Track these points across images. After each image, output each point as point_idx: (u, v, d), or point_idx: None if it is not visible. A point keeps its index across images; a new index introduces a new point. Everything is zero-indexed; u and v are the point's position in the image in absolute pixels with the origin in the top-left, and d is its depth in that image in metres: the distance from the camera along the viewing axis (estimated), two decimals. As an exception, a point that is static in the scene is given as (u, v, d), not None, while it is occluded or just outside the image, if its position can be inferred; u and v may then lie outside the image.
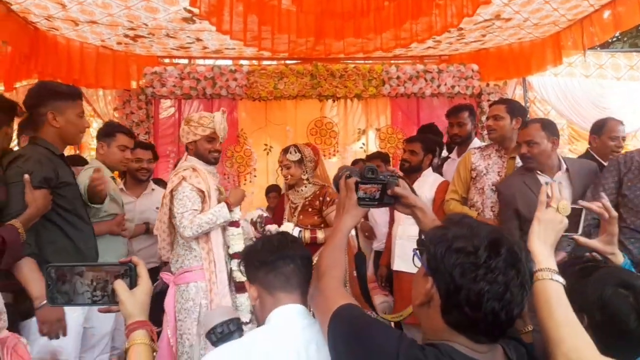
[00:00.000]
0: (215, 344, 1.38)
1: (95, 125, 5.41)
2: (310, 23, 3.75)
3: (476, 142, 3.39)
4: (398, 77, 5.03)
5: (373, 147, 5.28)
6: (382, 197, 1.32)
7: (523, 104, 5.54)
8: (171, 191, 2.54)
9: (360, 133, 5.35)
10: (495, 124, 2.89)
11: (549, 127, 2.60)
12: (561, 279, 1.09)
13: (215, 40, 4.56)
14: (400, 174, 1.38)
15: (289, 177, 2.98)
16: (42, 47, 4.23)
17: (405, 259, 3.15)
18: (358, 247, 1.60)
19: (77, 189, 2.31)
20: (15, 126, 2.32)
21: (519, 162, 2.80)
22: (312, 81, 4.94)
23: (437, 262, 0.97)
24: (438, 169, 3.82)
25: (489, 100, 5.10)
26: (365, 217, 3.99)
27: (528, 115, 3.66)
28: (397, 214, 3.40)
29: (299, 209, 3.00)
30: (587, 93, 5.55)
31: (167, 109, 5.28)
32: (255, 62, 5.35)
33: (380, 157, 4.25)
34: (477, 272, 0.91)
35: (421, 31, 3.82)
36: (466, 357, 0.94)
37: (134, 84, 5.01)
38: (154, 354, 1.02)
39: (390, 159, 4.66)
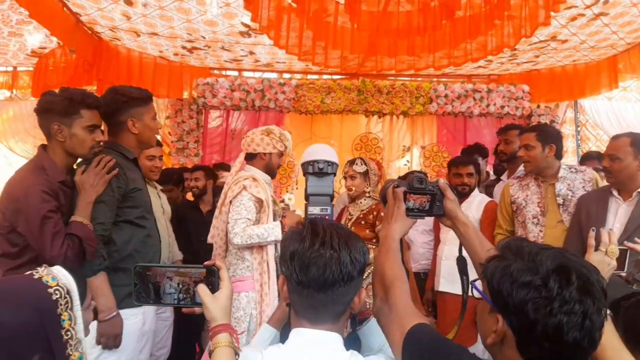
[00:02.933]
0: (307, 175, 1.34)
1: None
2: (364, 39, 3.78)
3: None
4: (446, 96, 5.00)
5: (417, 165, 5.25)
6: (432, 207, 1.30)
7: (574, 127, 5.43)
8: (231, 200, 2.59)
9: (405, 150, 5.34)
10: (527, 155, 2.74)
11: (546, 135, 2.44)
12: (609, 317, 1.13)
13: (267, 54, 4.67)
14: (447, 184, 1.36)
15: (353, 188, 3.00)
16: (105, 56, 4.45)
17: (450, 280, 3.11)
18: (402, 261, 1.59)
19: (145, 194, 2.30)
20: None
21: (557, 188, 2.69)
22: (359, 97, 4.97)
23: (504, 298, 0.93)
24: (487, 190, 3.77)
25: (539, 122, 5.01)
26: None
27: (563, 140, 3.50)
28: (442, 234, 3.37)
29: (352, 220, 3.01)
30: (643, 118, 5.36)
31: (215, 119, 5.41)
32: (301, 75, 5.45)
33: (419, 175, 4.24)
34: (552, 306, 0.88)
35: (475, 50, 3.80)
36: None
37: (186, 94, 5.18)
38: (236, 357, 1.05)
39: (428, 177, 4.63)
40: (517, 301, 0.91)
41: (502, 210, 2.94)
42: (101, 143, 2.14)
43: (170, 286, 1.11)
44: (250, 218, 2.53)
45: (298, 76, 5.39)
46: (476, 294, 1.04)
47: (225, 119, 5.40)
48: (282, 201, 2.95)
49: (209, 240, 2.77)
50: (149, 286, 1.10)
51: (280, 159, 2.78)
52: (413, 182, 1.28)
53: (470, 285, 1.07)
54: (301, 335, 1.10)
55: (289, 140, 2.76)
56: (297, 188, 5.20)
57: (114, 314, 1.98)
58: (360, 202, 3.05)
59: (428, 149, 5.28)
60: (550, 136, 2.75)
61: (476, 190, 3.31)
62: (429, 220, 3.79)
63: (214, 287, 1.10)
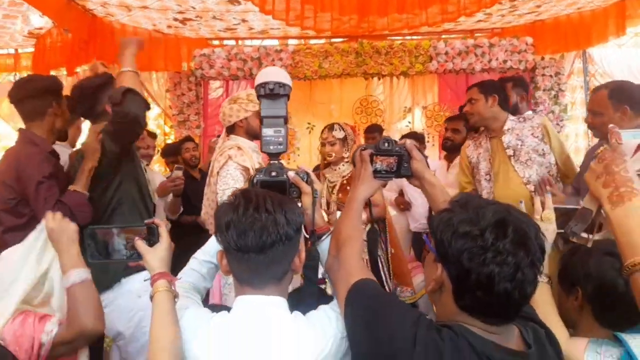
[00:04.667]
0: (260, 98, 1.40)
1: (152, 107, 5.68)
2: (353, 0, 3.70)
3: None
4: (446, 53, 4.86)
5: (419, 125, 5.20)
6: (399, 168, 1.31)
7: (582, 77, 5.24)
8: (218, 171, 2.63)
9: (406, 111, 5.27)
10: (471, 108, 2.71)
11: (618, 94, 2.25)
12: (546, 279, 1.30)
13: (260, 21, 4.61)
14: (414, 145, 1.36)
15: (333, 154, 3.00)
16: (100, 33, 4.46)
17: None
18: (370, 220, 1.60)
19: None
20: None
21: (505, 141, 2.63)
22: (357, 59, 4.88)
23: (444, 248, 0.96)
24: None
25: (544, 75, 4.86)
26: (401, 193, 3.98)
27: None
28: None
29: (337, 187, 3.02)
30: (656, 65, 5.14)
31: (215, 89, 5.43)
32: (302, 41, 5.37)
33: (415, 137, 4.20)
34: (486, 256, 0.90)
35: (469, 3, 3.69)
36: (480, 338, 0.94)
37: (184, 66, 5.18)
38: (175, 299, 1.17)
39: (426, 139, 4.59)
40: (455, 250, 0.94)
41: (462, 172, 2.94)
42: None
43: (119, 243, 1.25)
44: (238, 187, 2.57)
45: (295, 42, 5.32)
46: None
47: (225, 90, 5.41)
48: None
49: (202, 216, 2.82)
50: (100, 245, 1.24)
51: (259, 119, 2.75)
52: (379, 144, 1.29)
53: (425, 239, 1.10)
54: (245, 302, 1.13)
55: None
56: (298, 155, 5.23)
57: None
58: (339, 168, 3.06)
59: (430, 109, 5.20)
60: (491, 87, 2.73)
61: (470, 148, 3.27)
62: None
63: (153, 242, 1.23)
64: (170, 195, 3.57)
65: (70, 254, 1.37)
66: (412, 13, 3.88)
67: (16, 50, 5.30)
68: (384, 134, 5.20)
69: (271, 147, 1.37)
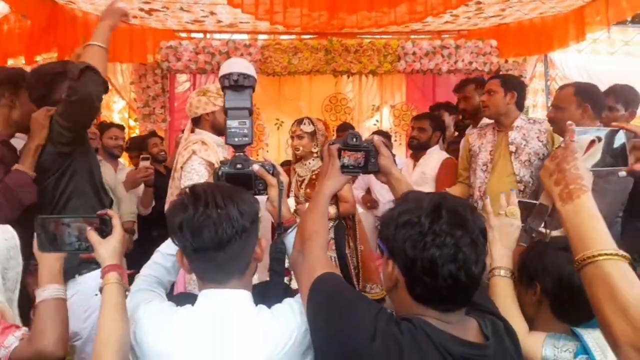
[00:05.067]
0: (224, 89, 1.37)
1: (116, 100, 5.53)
2: (323, -4, 3.70)
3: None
4: (414, 53, 4.93)
5: (387, 124, 5.25)
6: (367, 164, 1.32)
7: (544, 81, 5.42)
8: (182, 166, 2.58)
9: (375, 109, 5.32)
10: (489, 99, 2.78)
11: (583, 93, 2.37)
12: (508, 273, 1.32)
13: (228, 14, 4.55)
14: (381, 141, 1.37)
15: (300, 148, 2.98)
16: (61, 20, 4.29)
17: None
18: (337, 217, 1.60)
19: None
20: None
21: (511, 137, 2.71)
22: (327, 56, 4.88)
23: (390, 242, 0.98)
24: (450, 146, 3.79)
25: (507, 77, 4.99)
26: (368, 191, 4.01)
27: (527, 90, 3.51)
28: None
29: (305, 181, 3.01)
30: (612, 71, 5.35)
31: (182, 83, 5.33)
32: (271, 36, 5.33)
33: (382, 135, 4.24)
34: (425, 240, 0.92)
35: (436, 4, 3.75)
36: (437, 330, 0.95)
37: (150, 58, 5.06)
38: (126, 292, 1.16)
39: (392, 137, 4.66)
40: (399, 242, 0.96)
41: (462, 159, 2.99)
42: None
43: (70, 234, 1.21)
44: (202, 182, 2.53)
45: (263, 37, 5.27)
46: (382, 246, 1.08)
47: (193, 83, 5.32)
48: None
49: (167, 210, 2.76)
50: (51, 236, 1.20)
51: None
52: (347, 139, 1.29)
53: (378, 240, 1.11)
54: (209, 296, 1.12)
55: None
56: (267, 151, 5.20)
57: None
58: (309, 163, 3.04)
59: (397, 107, 5.26)
60: (513, 84, 2.80)
61: (436, 147, 3.33)
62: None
63: (105, 233, 1.21)
64: (142, 187, 3.49)
65: (52, 268, 1.29)
66: (381, 11, 3.92)
67: (-30, 35, 5.03)
68: (330, 131, 5.24)
69: (236, 139, 1.36)
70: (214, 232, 1.06)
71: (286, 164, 4.79)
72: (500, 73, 5.06)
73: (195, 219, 1.06)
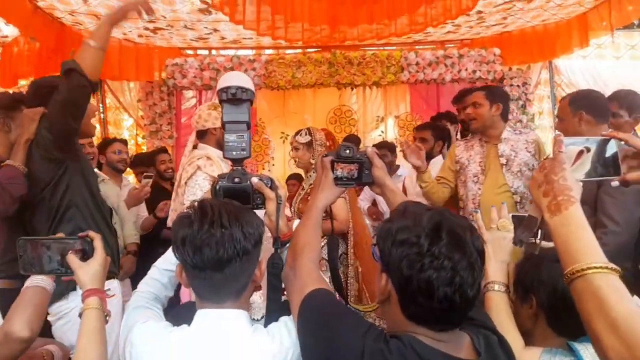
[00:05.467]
0: (222, 103, 1.35)
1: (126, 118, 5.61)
2: (323, 10, 3.74)
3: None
4: (417, 63, 4.95)
5: (392, 135, 5.25)
6: (361, 175, 1.31)
7: (549, 88, 5.39)
8: (186, 182, 2.59)
9: (379, 121, 5.32)
10: (474, 112, 2.75)
11: (576, 101, 2.37)
12: (502, 288, 1.30)
13: (232, 31, 4.60)
14: (375, 152, 1.37)
15: (297, 159, 2.96)
16: (68, 41, 4.38)
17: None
18: (332, 231, 1.60)
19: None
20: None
21: (500, 149, 2.70)
22: (330, 69, 4.92)
23: (386, 257, 0.97)
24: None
25: (511, 85, 4.97)
26: (374, 203, 4.00)
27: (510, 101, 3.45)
28: (407, 189, 3.42)
29: (301, 196, 2.97)
30: (618, 76, 5.31)
31: (189, 99, 5.39)
32: (274, 51, 5.39)
33: (387, 146, 4.26)
34: (423, 261, 0.91)
35: (436, 15, 3.76)
36: (428, 348, 0.93)
37: (156, 76, 5.13)
38: (107, 317, 1.16)
39: (397, 148, 4.64)
40: (395, 259, 0.94)
41: (445, 166, 2.96)
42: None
43: (51, 257, 1.20)
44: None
45: (267, 52, 5.33)
46: (377, 257, 1.06)
47: (198, 100, 5.38)
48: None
49: (169, 224, 2.78)
50: (32, 257, 1.19)
51: None
52: (340, 151, 1.29)
53: (372, 250, 1.09)
54: (205, 316, 1.12)
55: None
56: (273, 165, 5.22)
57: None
58: (310, 176, 2.99)
59: (402, 118, 5.27)
60: (498, 95, 2.78)
61: (439, 157, 3.33)
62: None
63: (87, 256, 1.19)
64: (143, 207, 3.52)
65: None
66: (382, 24, 3.94)
67: (-18, 59, 5.16)
68: (361, 143, 5.25)
69: (234, 153, 1.34)
70: (215, 251, 1.06)
71: (293, 178, 4.82)
72: (504, 80, 5.06)
73: (198, 236, 1.06)
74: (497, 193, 2.62)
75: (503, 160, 2.67)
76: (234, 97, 1.34)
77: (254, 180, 1.30)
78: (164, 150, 4.35)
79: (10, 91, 2.45)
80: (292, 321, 1.13)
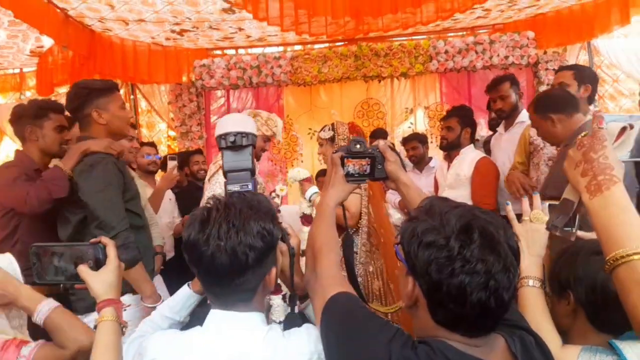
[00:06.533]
0: (221, 150, 1.28)
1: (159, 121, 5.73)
2: (346, 3, 3.67)
3: (524, 114, 3.15)
4: (446, 52, 4.80)
5: (422, 126, 5.13)
6: (373, 171, 1.26)
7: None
8: (209, 179, 2.61)
9: (408, 112, 5.21)
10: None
11: (539, 109, 2.35)
12: (537, 283, 1.23)
13: (257, 29, 4.61)
14: (388, 146, 1.31)
15: (321, 156, 2.91)
16: (99, 48, 4.51)
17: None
18: (345, 226, 1.54)
19: (135, 183, 2.35)
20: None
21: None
22: (357, 62, 4.85)
23: (412, 260, 0.90)
24: (485, 146, 3.65)
25: (547, 69, 4.76)
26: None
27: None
28: (438, 182, 3.32)
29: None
30: (664, 54, 5.00)
31: (217, 99, 5.44)
32: (301, 47, 5.36)
33: (417, 138, 4.13)
34: (454, 266, 0.84)
35: (464, 0, 3.62)
36: (460, 354, 0.87)
37: (185, 78, 5.20)
38: (123, 329, 1.10)
39: (429, 139, 4.52)
40: (422, 262, 0.88)
41: (519, 149, 2.86)
42: (68, 141, 2.29)
43: (65, 264, 1.15)
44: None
45: (296, 47, 5.31)
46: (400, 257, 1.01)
47: (226, 99, 5.43)
48: (273, 192, 2.86)
49: (186, 223, 2.78)
50: (46, 265, 1.14)
51: (265, 144, 2.74)
52: (351, 146, 1.24)
53: (395, 250, 1.03)
54: (217, 316, 1.08)
55: (278, 126, 2.70)
56: (302, 161, 5.21)
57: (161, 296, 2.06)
58: None
59: (432, 108, 5.14)
60: (587, 76, 2.64)
61: (470, 147, 3.20)
62: (427, 182, 3.72)
63: (99, 264, 1.13)
64: (177, 214, 3.55)
65: (26, 295, 1.27)
66: (407, 12, 3.84)
67: (21, 69, 5.38)
68: (388, 136, 5.15)
69: None
70: (210, 262, 1.01)
71: (323, 174, 4.78)
72: (539, 65, 4.85)
73: (198, 244, 1.02)
74: None
75: None
76: (233, 145, 1.28)
77: None
78: (198, 151, 4.41)
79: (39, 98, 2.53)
80: (315, 330, 1.08)
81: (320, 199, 1.29)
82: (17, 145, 5.52)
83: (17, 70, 5.40)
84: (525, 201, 1.32)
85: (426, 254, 0.87)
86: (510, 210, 1.34)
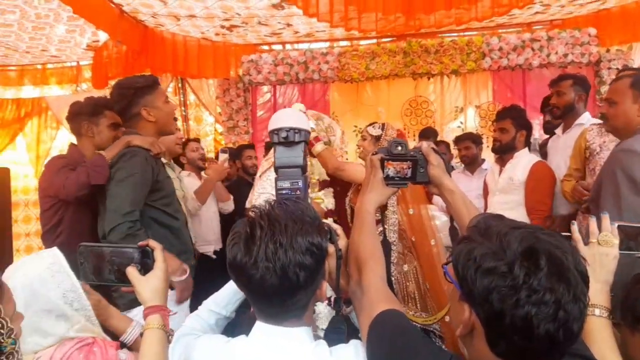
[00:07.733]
0: (274, 145, 1.25)
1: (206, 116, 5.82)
2: (398, -2, 3.58)
3: (585, 117, 2.96)
4: (500, 49, 4.61)
5: (472, 126, 4.96)
6: (415, 174, 1.19)
7: (655, 70, 4.80)
8: (260, 175, 2.61)
9: (458, 111, 5.05)
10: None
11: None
12: (605, 313, 1.13)
13: (305, 25, 4.58)
14: (432, 148, 1.22)
15: (361, 148, 2.84)
16: (151, 43, 4.62)
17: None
18: (383, 235, 1.47)
19: (172, 182, 2.36)
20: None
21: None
22: (405, 59, 4.74)
23: (469, 286, 0.82)
24: (542, 149, 3.47)
25: (609, 69, 4.48)
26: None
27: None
28: (489, 186, 3.18)
29: (354, 188, 2.78)
30: None
31: (264, 94, 5.46)
32: (348, 43, 5.30)
33: (470, 138, 3.97)
34: (519, 296, 0.76)
35: (522, -5, 3.46)
36: None
37: (233, 73, 5.25)
38: (169, 337, 1.06)
39: (483, 140, 4.33)
40: (481, 290, 0.80)
41: (575, 154, 2.68)
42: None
43: (111, 266, 1.11)
44: (274, 194, 2.51)
45: (343, 43, 5.25)
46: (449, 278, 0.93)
47: (273, 94, 5.44)
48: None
49: (228, 238, 2.76)
50: (93, 265, 1.11)
51: None
52: (391, 148, 1.18)
53: (444, 271, 0.96)
54: (264, 330, 1.05)
55: (337, 135, 2.66)
56: (346, 158, 5.13)
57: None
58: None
59: (483, 108, 4.95)
60: None
61: (525, 150, 3.04)
62: (478, 184, 3.59)
63: (147, 268, 1.09)
64: (212, 217, 3.57)
65: (117, 317, 1.34)
66: (461, 8, 3.70)
67: (77, 62, 5.59)
68: (438, 136, 5.01)
69: None
70: (259, 283, 0.96)
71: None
72: (601, 63, 4.58)
73: (243, 264, 0.97)
74: None
75: None
76: (286, 140, 1.25)
77: None
78: (251, 146, 4.43)
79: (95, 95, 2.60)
80: (362, 345, 1.03)
81: (359, 204, 1.23)
82: (72, 137, 5.79)
83: (74, 64, 5.62)
84: (593, 221, 1.21)
85: (485, 281, 0.79)
86: (575, 230, 1.22)
